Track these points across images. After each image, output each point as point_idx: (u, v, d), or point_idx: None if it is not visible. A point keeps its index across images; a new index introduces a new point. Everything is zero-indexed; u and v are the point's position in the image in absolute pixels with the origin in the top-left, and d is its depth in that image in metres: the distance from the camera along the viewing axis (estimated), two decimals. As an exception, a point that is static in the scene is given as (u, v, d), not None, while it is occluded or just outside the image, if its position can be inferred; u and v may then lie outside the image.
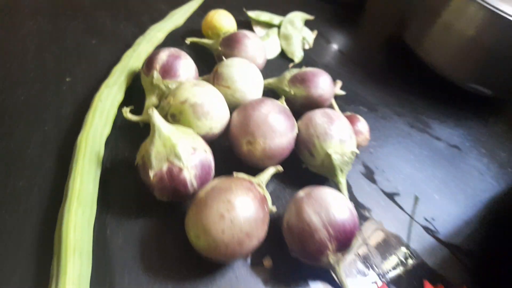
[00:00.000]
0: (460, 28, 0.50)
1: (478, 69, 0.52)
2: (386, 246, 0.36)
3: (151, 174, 0.29)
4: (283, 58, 0.53)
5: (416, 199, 0.31)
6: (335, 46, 0.59)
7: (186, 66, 0.38)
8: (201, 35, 0.50)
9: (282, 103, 0.37)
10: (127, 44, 0.46)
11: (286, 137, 0.35)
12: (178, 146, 0.30)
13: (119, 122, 0.39)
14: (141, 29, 0.49)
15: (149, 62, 0.38)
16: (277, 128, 0.34)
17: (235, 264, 0.32)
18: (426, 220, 0.40)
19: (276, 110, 0.35)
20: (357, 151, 0.37)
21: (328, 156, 0.36)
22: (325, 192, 0.31)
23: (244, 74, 0.39)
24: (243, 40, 0.43)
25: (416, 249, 0.37)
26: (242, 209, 0.28)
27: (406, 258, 0.36)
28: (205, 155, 0.32)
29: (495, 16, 0.46)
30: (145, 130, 0.32)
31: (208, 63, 0.47)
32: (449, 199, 0.42)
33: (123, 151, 0.37)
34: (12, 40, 0.45)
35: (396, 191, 0.41)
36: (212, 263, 0.31)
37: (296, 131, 0.37)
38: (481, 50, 0.49)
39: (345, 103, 0.49)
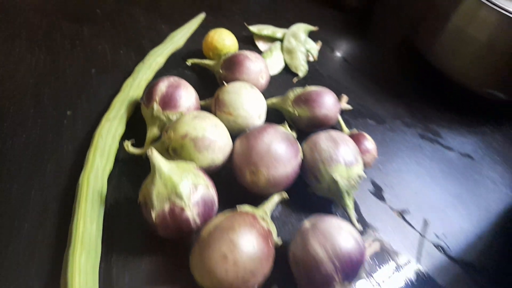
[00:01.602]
0: (472, 32, 0.48)
1: (492, 74, 0.50)
2: (396, 269, 0.35)
3: (153, 214, 0.29)
4: (287, 72, 0.52)
5: (426, 222, 0.30)
6: (341, 56, 0.58)
7: (186, 95, 0.38)
8: (202, 55, 0.50)
9: (285, 129, 0.37)
10: (128, 71, 0.46)
11: (290, 165, 0.35)
12: (179, 186, 0.29)
13: (121, 156, 0.39)
14: (142, 54, 0.48)
15: (149, 94, 0.38)
16: (280, 158, 0.34)
17: (242, 300, 0.31)
18: (437, 237, 0.39)
19: (278, 138, 0.35)
20: (364, 176, 0.36)
21: (334, 181, 0.35)
22: (330, 223, 0.31)
23: (246, 100, 0.39)
24: (244, 63, 0.43)
25: (427, 269, 0.36)
26: (245, 248, 0.27)
27: (416, 279, 0.35)
28: (207, 191, 0.31)
29: (507, 20, 0.44)
30: (147, 162, 0.32)
31: (210, 84, 0.47)
32: (461, 214, 0.41)
33: (126, 185, 0.37)
34: (8, 77, 0.45)
35: (406, 208, 0.40)
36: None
37: (300, 156, 0.36)
38: (495, 55, 0.47)
39: (352, 117, 0.48)
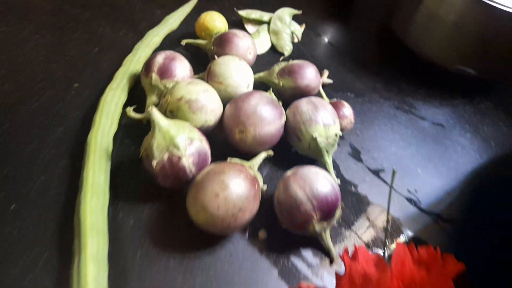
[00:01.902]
0: (442, 14, 0.52)
1: (462, 52, 0.54)
2: (369, 215, 0.40)
3: (154, 163, 0.34)
4: (274, 52, 0.57)
5: (394, 172, 0.35)
6: (324, 39, 0.63)
7: (181, 66, 0.43)
8: (195, 37, 0.54)
9: (270, 95, 0.41)
10: (127, 50, 0.50)
11: (274, 125, 0.39)
12: (176, 138, 0.34)
13: (124, 121, 0.43)
14: (139, 35, 0.53)
15: (148, 65, 0.42)
16: (265, 117, 0.38)
17: (233, 237, 0.36)
18: (409, 192, 0.43)
19: (264, 101, 0.39)
20: (341, 133, 0.41)
21: (314, 139, 0.39)
22: (309, 170, 0.35)
23: (235, 70, 0.43)
24: (233, 39, 0.47)
25: (400, 219, 0.40)
26: (234, 187, 0.32)
27: (387, 225, 0.39)
28: (201, 144, 0.36)
29: (472, 2, 0.49)
30: (147, 126, 0.37)
31: (203, 62, 0.51)
32: (432, 173, 0.46)
33: (129, 146, 0.41)
34: (20, 55, 0.49)
35: (381, 168, 0.45)
36: (213, 237, 0.35)
37: (284, 119, 0.41)
38: (464, 34, 0.51)
39: (333, 90, 0.53)
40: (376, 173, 0.44)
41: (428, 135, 0.50)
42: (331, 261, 0.35)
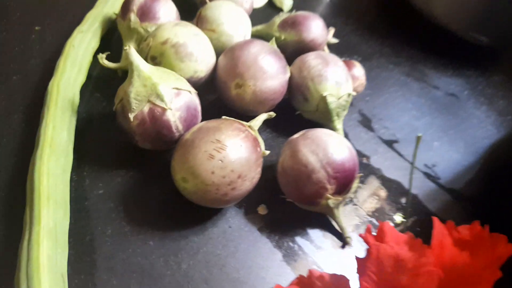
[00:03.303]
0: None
1: (474, 16, 0.49)
2: (385, 192, 0.34)
3: (131, 116, 0.27)
4: (271, 7, 0.50)
5: (418, 139, 0.29)
6: (326, -2, 0.56)
7: (166, 7, 0.35)
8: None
9: (272, 45, 0.35)
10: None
11: (278, 80, 0.33)
12: (159, 85, 0.27)
13: (95, 73, 0.36)
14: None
15: (125, 5, 0.35)
16: (268, 69, 0.32)
17: (227, 213, 0.29)
18: (427, 166, 0.38)
19: (266, 50, 0.32)
20: (354, 93, 0.35)
21: (323, 99, 0.33)
22: (321, 132, 0.29)
23: (230, 15, 0.36)
24: (227, -17, 0.40)
25: (418, 194, 0.35)
26: (232, 148, 0.25)
27: (407, 203, 0.34)
28: (190, 96, 0.29)
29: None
30: (123, 79, 0.29)
31: (191, 11, 0.44)
32: (449, 146, 0.40)
33: (99, 101, 0.34)
34: None
35: (395, 138, 0.39)
36: (202, 212, 0.28)
37: (288, 74, 0.34)
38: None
39: (337, 52, 0.46)
40: (390, 144, 0.39)
41: (442, 106, 0.45)
42: (345, 243, 0.30)
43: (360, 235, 0.26)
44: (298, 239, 0.29)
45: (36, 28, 0.38)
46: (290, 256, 0.28)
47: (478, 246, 0.24)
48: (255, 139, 0.28)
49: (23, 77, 0.34)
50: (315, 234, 0.30)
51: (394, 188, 0.35)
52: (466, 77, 0.50)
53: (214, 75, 0.34)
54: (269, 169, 0.32)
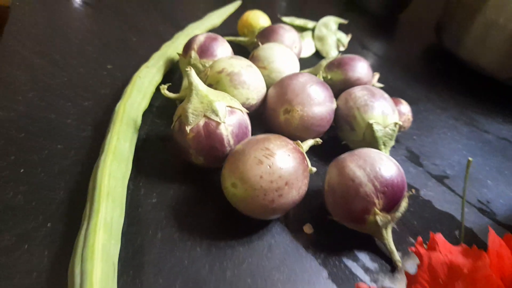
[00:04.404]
0: (502, 23, 0.49)
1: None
2: (435, 222, 0.33)
3: (188, 129, 0.29)
4: (318, 57, 0.53)
5: (469, 162, 0.28)
6: (370, 50, 0.59)
7: (222, 47, 0.39)
8: (237, 36, 0.52)
9: (319, 77, 0.37)
10: (166, 40, 0.47)
11: (324, 107, 0.34)
12: (215, 102, 0.29)
13: (157, 103, 0.39)
14: (179, 30, 0.51)
15: (187, 45, 0.39)
16: (315, 97, 0.34)
17: (273, 229, 0.29)
18: (480, 202, 0.36)
19: (314, 80, 0.35)
20: (400, 123, 0.35)
21: (370, 126, 0.34)
22: (369, 149, 0.29)
23: (280, 55, 0.39)
24: (278, 30, 0.44)
25: (472, 227, 0.33)
26: (280, 156, 0.26)
27: (459, 235, 0.32)
28: (243, 116, 0.31)
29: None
30: None
31: (244, 56, 0.48)
32: (504, 185, 0.39)
33: (159, 126, 0.37)
34: (60, 34, 0.48)
35: (445, 174, 0.38)
36: (249, 226, 0.29)
37: (334, 105, 0.36)
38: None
39: (383, 96, 0.48)
40: (440, 179, 0.38)
41: (495, 148, 0.44)
42: (394, 267, 0.28)
43: (410, 249, 0.25)
44: (345, 259, 0.28)
45: (109, 66, 0.43)
46: (336, 274, 0.27)
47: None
48: (302, 153, 0.29)
49: (94, 103, 0.37)
50: (363, 256, 0.29)
51: (446, 220, 0.33)
52: (517, 123, 0.49)
53: (264, 106, 0.36)
54: (316, 194, 0.33)
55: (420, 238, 0.24)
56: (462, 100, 0.51)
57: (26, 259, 0.24)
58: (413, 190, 0.35)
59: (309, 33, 0.54)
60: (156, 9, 0.59)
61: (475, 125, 0.47)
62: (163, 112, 0.38)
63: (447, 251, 0.23)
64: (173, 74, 0.43)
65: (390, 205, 0.27)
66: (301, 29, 0.55)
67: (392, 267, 0.28)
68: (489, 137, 0.45)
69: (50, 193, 0.28)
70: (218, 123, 0.29)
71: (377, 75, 0.47)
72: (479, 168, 0.40)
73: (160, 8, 0.60)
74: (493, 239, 0.23)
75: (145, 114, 0.37)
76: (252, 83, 0.34)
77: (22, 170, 0.30)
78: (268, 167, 0.26)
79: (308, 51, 0.52)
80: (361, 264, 0.28)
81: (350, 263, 0.28)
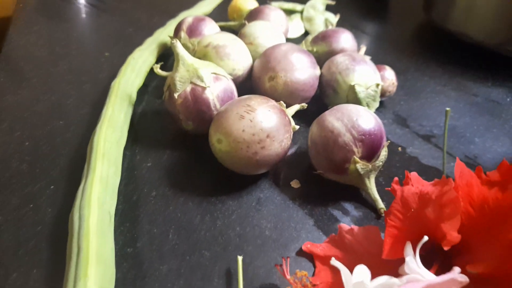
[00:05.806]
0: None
1: (510, 30, 0.50)
2: (423, 176, 0.34)
3: (176, 96, 0.31)
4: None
5: (447, 112, 0.29)
6: (359, 29, 0.61)
7: (210, 26, 0.41)
8: (228, 21, 0.54)
9: (302, 47, 0.39)
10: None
11: (307, 73, 0.36)
12: (200, 69, 0.31)
13: (153, 84, 0.42)
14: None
15: (177, 27, 0.42)
16: (297, 63, 0.35)
17: (261, 184, 0.31)
18: (467, 157, 0.37)
19: (295, 48, 0.36)
20: (382, 83, 0.37)
21: (352, 88, 0.35)
22: (348, 105, 0.31)
23: (266, 31, 0.41)
24: (265, 10, 0.46)
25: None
26: (261, 111, 0.28)
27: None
28: (228, 83, 0.33)
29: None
30: None
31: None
32: (492, 141, 0.39)
33: (153, 103, 0.39)
34: (55, 29, 0.51)
35: (432, 134, 0.39)
36: (240, 183, 0.31)
37: (318, 71, 0.37)
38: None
39: (372, 68, 0.49)
40: (427, 138, 0.39)
41: (483, 109, 0.44)
42: (379, 214, 0.30)
43: (387, 189, 0.26)
44: (331, 209, 0.30)
45: (106, 54, 0.46)
46: (322, 221, 0.29)
47: (508, 182, 0.23)
48: (283, 110, 0.30)
49: (92, 85, 0.40)
50: (348, 206, 0.30)
51: (431, 173, 0.35)
52: (507, 87, 0.50)
53: (251, 77, 0.38)
54: (304, 155, 0.34)
55: (396, 178, 0.26)
56: (451, 69, 0.52)
57: (31, 215, 0.27)
58: (400, 148, 0.37)
59: (298, 15, 0.56)
60: (151, 4, 0.62)
61: (464, 90, 0.48)
62: (158, 91, 0.41)
63: (420, 184, 0.24)
64: (167, 60, 0.46)
65: (370, 154, 0.29)
66: (290, 13, 0.57)
67: (377, 215, 0.30)
68: (478, 100, 0.46)
69: (53, 161, 0.31)
70: (203, 88, 0.31)
71: (363, 48, 0.49)
72: (466, 127, 0.41)
73: (156, 3, 0.63)
74: (460, 168, 0.24)
75: (141, 93, 0.39)
76: (237, 55, 0.36)
77: (27, 143, 0.32)
78: (250, 121, 0.28)
79: (297, 31, 0.54)
80: (346, 213, 0.30)
81: (336, 212, 0.30)
